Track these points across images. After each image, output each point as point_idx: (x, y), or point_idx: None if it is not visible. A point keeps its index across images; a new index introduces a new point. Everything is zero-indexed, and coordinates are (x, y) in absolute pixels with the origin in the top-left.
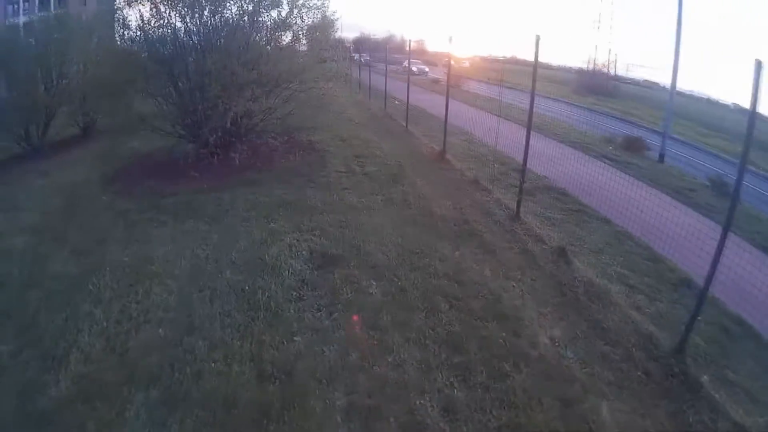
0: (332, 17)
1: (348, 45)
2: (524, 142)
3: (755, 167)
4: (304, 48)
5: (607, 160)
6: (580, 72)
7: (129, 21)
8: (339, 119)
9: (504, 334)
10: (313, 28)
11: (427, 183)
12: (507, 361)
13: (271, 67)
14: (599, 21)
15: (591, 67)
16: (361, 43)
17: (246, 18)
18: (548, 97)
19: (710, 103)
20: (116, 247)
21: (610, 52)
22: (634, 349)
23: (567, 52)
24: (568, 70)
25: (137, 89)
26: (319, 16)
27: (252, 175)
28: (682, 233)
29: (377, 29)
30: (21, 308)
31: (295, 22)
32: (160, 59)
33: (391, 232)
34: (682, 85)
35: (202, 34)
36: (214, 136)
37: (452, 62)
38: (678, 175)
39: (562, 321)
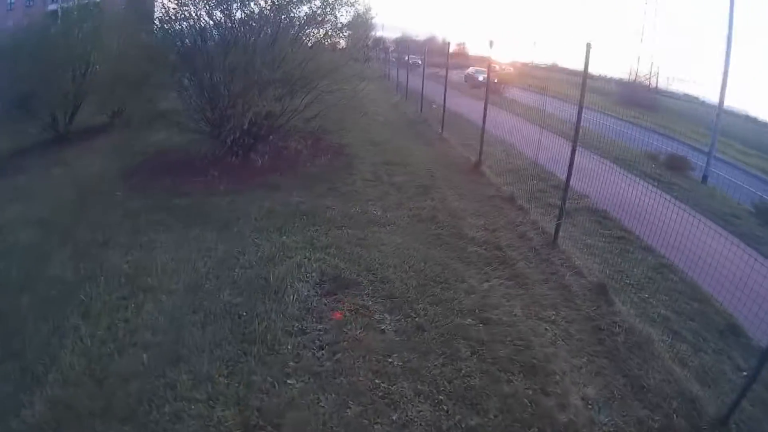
0: (368, 15)
1: (389, 45)
2: (567, 158)
3: None
4: (336, 46)
5: (650, 179)
6: (621, 84)
7: (153, 12)
8: (372, 122)
9: (530, 392)
10: (346, 26)
11: (458, 197)
12: (530, 427)
13: (298, 65)
14: (642, 32)
15: (633, 78)
16: (403, 44)
17: (274, 12)
18: (590, 108)
19: (749, 119)
20: (118, 252)
21: (652, 65)
22: (675, 416)
23: (608, 62)
24: (608, 81)
25: (159, 83)
26: (352, 12)
27: (272, 179)
28: (727, 267)
29: (419, 30)
30: (11, 313)
31: (327, 19)
32: (182, 52)
33: (414, 254)
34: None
35: (226, 28)
36: (233, 136)
37: (494, 67)
38: (722, 198)
39: (597, 376)
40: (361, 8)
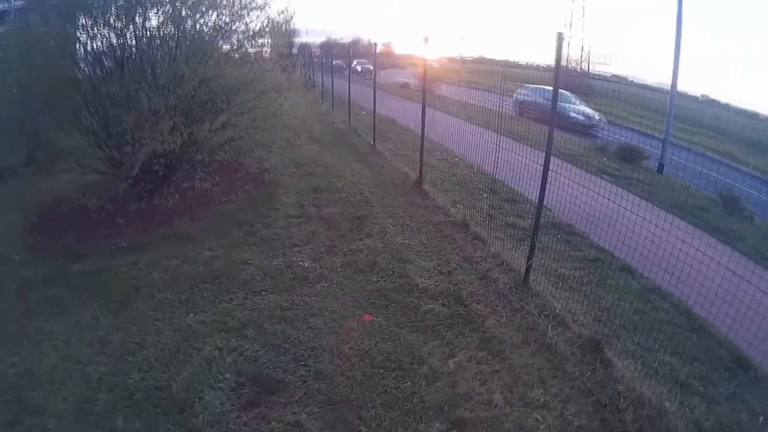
0: (285, 18)
1: (314, 50)
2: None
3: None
4: (247, 58)
5: (607, 177)
6: (551, 70)
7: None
8: (296, 137)
9: None
10: (259, 34)
11: (401, 229)
12: None
13: (200, 85)
14: (571, 18)
15: (565, 65)
16: (328, 48)
17: (174, 25)
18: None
19: (701, 101)
20: (4, 348)
21: (582, 49)
22: None
23: (536, 49)
24: (536, 68)
25: (59, 117)
26: (263, 18)
27: (182, 226)
28: (711, 276)
29: (344, 33)
30: None
31: (235, 28)
32: (76, 82)
33: (355, 326)
34: (650, 78)
35: (121, 49)
36: (129, 179)
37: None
38: (682, 188)
39: None
40: (273, 13)
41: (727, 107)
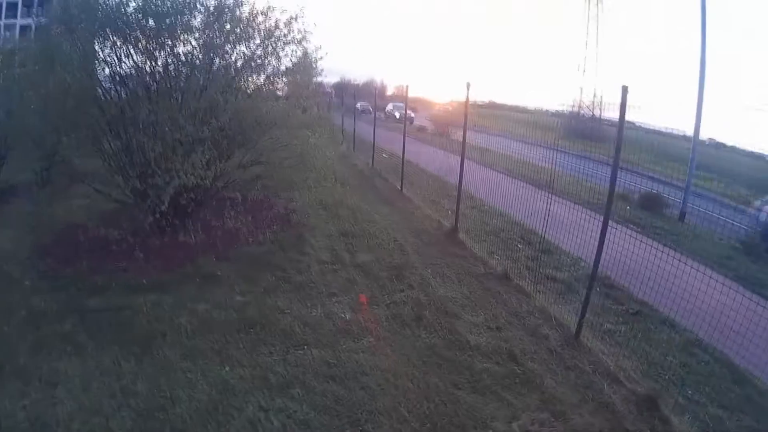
0: (315, 56)
1: (328, 90)
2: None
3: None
4: (277, 93)
5: (632, 226)
6: (567, 116)
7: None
8: (321, 178)
9: None
10: (291, 70)
11: (442, 280)
12: None
13: (234, 117)
14: (585, 64)
15: (578, 110)
16: (342, 88)
17: (204, 53)
18: (536, 144)
19: (686, 139)
20: (12, 388)
21: (595, 95)
22: None
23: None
24: (545, 114)
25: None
26: (299, 53)
27: (207, 265)
28: (745, 326)
29: (357, 73)
30: None
31: (269, 61)
32: (98, 105)
33: (409, 385)
34: (657, 123)
35: (148, 74)
36: (156, 213)
37: (440, 108)
38: (705, 236)
39: None
40: (310, 47)
41: (733, 149)
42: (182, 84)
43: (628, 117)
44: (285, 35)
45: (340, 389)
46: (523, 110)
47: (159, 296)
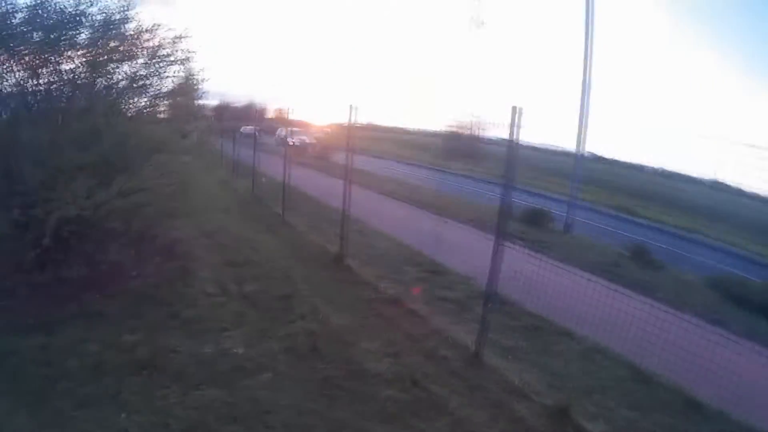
0: (198, 77)
1: (210, 113)
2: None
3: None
4: (161, 116)
5: (519, 242)
6: (445, 136)
7: None
8: (202, 205)
9: None
10: (175, 92)
11: (334, 308)
12: None
13: (117, 142)
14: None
15: (458, 130)
16: (222, 111)
17: (88, 72)
18: (417, 165)
19: (567, 154)
20: None
21: (474, 115)
22: None
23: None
24: (425, 134)
25: None
26: (183, 74)
27: (93, 302)
28: (639, 326)
29: (237, 95)
30: None
31: (152, 82)
32: None
33: (317, 422)
34: (536, 139)
35: (28, 93)
36: (37, 249)
37: (320, 130)
38: (591, 246)
39: None
40: (194, 67)
41: (614, 162)
42: (64, 104)
43: (512, 136)
44: (169, 55)
45: (245, 431)
46: (403, 131)
47: (46, 338)
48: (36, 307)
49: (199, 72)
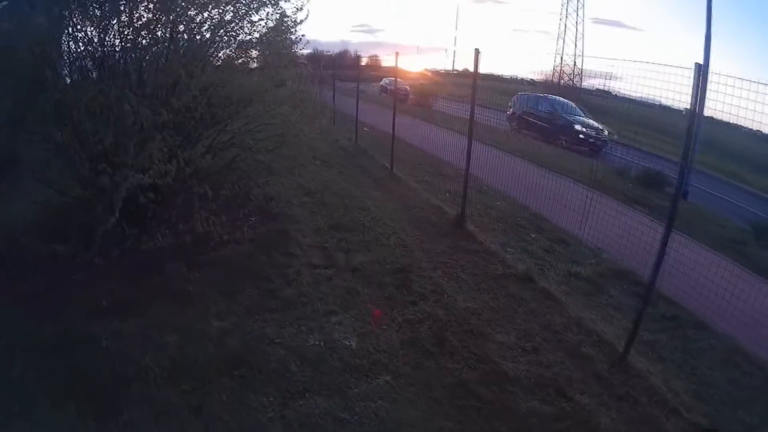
0: (294, 18)
1: (303, 61)
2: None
3: None
4: (253, 65)
5: (638, 206)
6: (545, 85)
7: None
8: (301, 158)
9: None
10: (267, 37)
11: (458, 287)
12: None
13: (200, 94)
14: (564, 33)
15: (557, 79)
16: (316, 60)
17: (165, 20)
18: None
19: (663, 109)
20: None
21: (575, 64)
22: None
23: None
24: (520, 82)
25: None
26: (276, 16)
27: (177, 277)
28: None
29: (325, 43)
30: None
31: (241, 26)
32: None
33: None
34: (625, 90)
35: (98, 48)
36: (107, 223)
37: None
38: (712, 218)
39: None
40: (288, 7)
41: (735, 127)
42: (138, 57)
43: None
44: None
45: None
46: (499, 79)
47: (121, 323)
48: (112, 284)
49: (295, 13)
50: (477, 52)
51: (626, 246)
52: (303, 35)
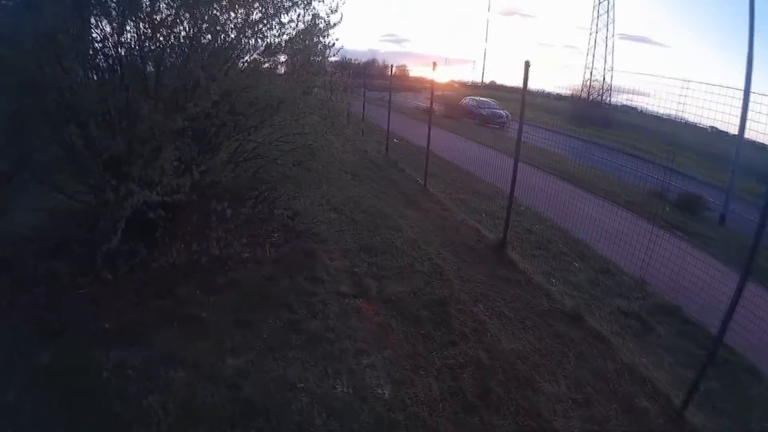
0: (327, 21)
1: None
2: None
3: None
4: (281, 69)
5: (678, 232)
6: (573, 100)
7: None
8: (327, 169)
9: None
10: (296, 41)
11: (502, 324)
12: None
13: (223, 98)
14: (594, 48)
15: (585, 94)
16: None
17: (186, 17)
18: (548, 129)
19: (687, 126)
20: None
21: (604, 79)
22: None
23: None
24: (547, 96)
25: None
26: (308, 17)
27: (189, 299)
28: None
29: (356, 51)
30: None
31: (269, 28)
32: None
33: None
34: (650, 106)
35: (113, 47)
36: (107, 247)
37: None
38: (747, 244)
39: None
40: (321, 8)
41: (734, 137)
42: (156, 57)
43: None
44: None
45: None
46: (526, 92)
47: (125, 351)
48: (118, 303)
49: (328, 15)
50: (527, 65)
51: (670, 276)
52: (337, 40)
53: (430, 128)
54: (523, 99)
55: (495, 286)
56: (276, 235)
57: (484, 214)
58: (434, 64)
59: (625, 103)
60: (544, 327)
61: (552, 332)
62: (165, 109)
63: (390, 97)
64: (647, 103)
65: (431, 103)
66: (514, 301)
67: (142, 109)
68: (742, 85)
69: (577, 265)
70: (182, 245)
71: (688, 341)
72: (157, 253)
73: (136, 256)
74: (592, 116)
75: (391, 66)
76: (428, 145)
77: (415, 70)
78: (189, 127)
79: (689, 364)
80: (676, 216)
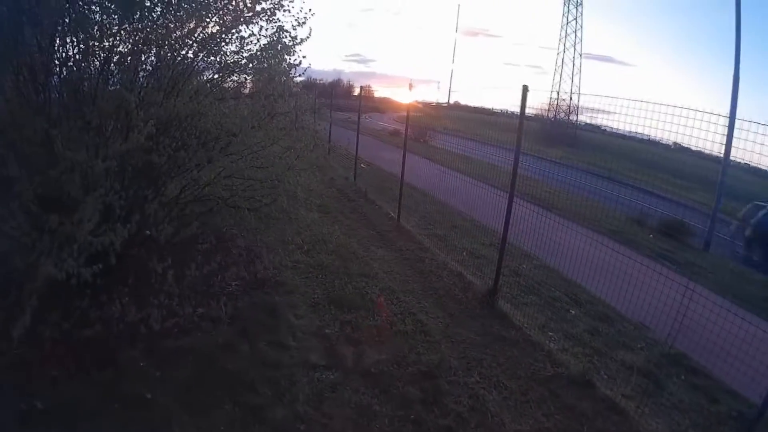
0: (292, 34)
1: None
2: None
3: None
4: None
5: (667, 263)
6: (540, 120)
7: None
8: (292, 207)
9: None
10: (258, 56)
11: (502, 399)
12: None
13: (168, 128)
14: (561, 68)
15: (552, 114)
16: (309, 88)
17: (132, 30)
18: (510, 149)
19: (651, 142)
20: None
21: (571, 99)
22: None
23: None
24: (511, 116)
25: None
26: (271, 30)
27: (132, 373)
28: None
29: (319, 69)
30: None
31: (228, 40)
32: None
33: None
34: (616, 124)
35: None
36: (20, 324)
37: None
38: (738, 271)
39: None
40: (286, 21)
41: (699, 154)
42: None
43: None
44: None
45: None
46: (489, 112)
47: None
48: (53, 373)
49: (294, 28)
50: (525, 89)
51: (668, 314)
52: (304, 57)
53: (404, 158)
54: (520, 124)
55: (489, 347)
56: (234, 284)
57: (465, 253)
58: (410, 84)
59: (588, 122)
60: (551, 399)
61: (560, 405)
62: (93, 143)
63: (359, 119)
64: (612, 121)
65: (407, 128)
66: (512, 366)
67: (56, 145)
68: (702, 101)
69: (573, 312)
70: (121, 307)
71: (696, 393)
72: (95, 310)
73: (73, 314)
74: (561, 136)
75: (361, 87)
76: (402, 177)
77: (381, 91)
78: (119, 166)
79: (685, 410)
80: (661, 244)
